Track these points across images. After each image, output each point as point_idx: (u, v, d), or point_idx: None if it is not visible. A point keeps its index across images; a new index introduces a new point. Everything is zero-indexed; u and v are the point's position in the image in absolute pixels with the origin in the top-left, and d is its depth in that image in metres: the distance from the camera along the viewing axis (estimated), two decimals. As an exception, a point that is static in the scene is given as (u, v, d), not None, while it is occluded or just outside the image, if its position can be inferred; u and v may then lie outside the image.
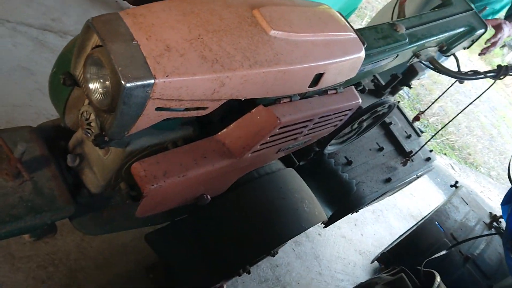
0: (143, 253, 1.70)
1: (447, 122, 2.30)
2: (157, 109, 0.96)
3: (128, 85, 0.85)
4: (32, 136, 1.21)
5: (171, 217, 1.40)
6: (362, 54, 1.38)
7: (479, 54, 2.49)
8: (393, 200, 3.37)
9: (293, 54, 1.14)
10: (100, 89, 0.96)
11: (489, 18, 2.85)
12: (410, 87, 2.31)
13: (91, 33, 0.96)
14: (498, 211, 4.56)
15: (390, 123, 2.41)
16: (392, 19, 2.06)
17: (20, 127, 1.22)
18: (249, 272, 1.63)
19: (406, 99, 5.63)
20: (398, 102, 2.60)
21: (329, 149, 2.01)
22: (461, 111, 2.19)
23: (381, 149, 2.27)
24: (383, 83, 2.22)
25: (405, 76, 2.22)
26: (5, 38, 2.03)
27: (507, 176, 5.61)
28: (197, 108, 1.04)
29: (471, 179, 5.35)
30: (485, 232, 2.30)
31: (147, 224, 1.35)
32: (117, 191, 1.28)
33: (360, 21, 6.59)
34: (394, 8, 2.03)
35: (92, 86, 0.97)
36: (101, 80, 0.95)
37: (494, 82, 1.96)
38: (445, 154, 5.35)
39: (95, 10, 2.63)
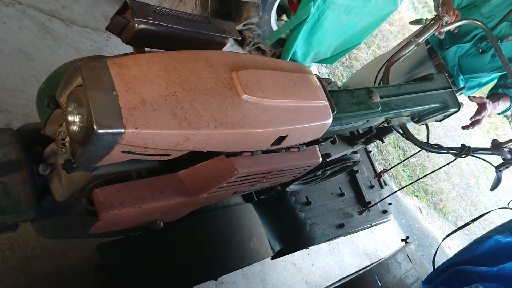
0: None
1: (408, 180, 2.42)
2: (123, 151, 1.07)
3: (99, 131, 0.97)
4: (12, 139, 1.32)
5: (125, 232, 1.52)
6: (329, 121, 1.49)
7: (462, 128, 2.61)
8: (352, 236, 3.51)
9: (259, 118, 1.25)
10: (77, 123, 1.07)
11: (476, 90, 2.99)
12: (383, 142, 2.44)
13: (77, 74, 1.07)
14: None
15: (357, 171, 2.54)
16: (375, 80, 2.20)
17: (3, 129, 1.33)
18: None
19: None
20: (370, 152, 2.73)
21: (292, 187, 2.14)
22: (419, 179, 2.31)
23: (342, 194, 2.40)
24: (360, 132, 2.35)
25: (379, 131, 2.34)
26: (13, 20, 2.13)
27: (472, 228, 5.75)
28: (160, 155, 1.16)
29: (436, 225, 5.52)
30: (421, 292, 2.45)
31: (102, 236, 1.47)
32: (78, 202, 1.39)
33: (367, 49, 6.72)
34: (379, 71, 2.14)
35: (70, 118, 1.08)
36: (79, 116, 1.06)
37: (454, 159, 2.08)
38: (417, 196, 5.51)
39: (106, 3, 2.72)
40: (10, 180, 1.25)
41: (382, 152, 5.26)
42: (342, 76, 5.47)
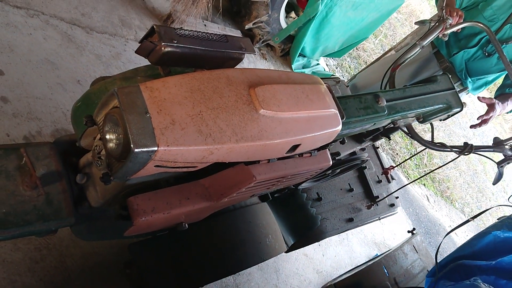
0: (125, 248, 1.96)
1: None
2: (156, 166, 1.20)
3: (136, 150, 1.10)
4: (51, 152, 1.46)
5: (153, 232, 1.66)
6: (339, 127, 1.61)
7: (470, 127, 2.70)
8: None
9: (275, 130, 1.38)
10: (114, 141, 1.20)
11: (483, 88, 3.08)
12: (389, 139, 2.56)
13: (114, 98, 1.19)
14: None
15: (365, 167, 2.66)
16: (381, 83, 2.31)
17: (42, 143, 1.47)
18: None
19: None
20: (378, 147, 2.85)
21: (304, 185, 2.27)
22: (424, 175, 2.42)
23: (351, 190, 2.53)
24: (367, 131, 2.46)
25: (386, 129, 2.45)
26: (38, 30, 2.25)
27: (481, 217, 5.85)
28: (188, 167, 1.29)
29: (443, 212, 5.63)
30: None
31: (132, 237, 1.61)
32: (111, 208, 1.53)
33: (374, 39, 6.78)
34: (385, 74, 2.25)
35: (108, 137, 1.21)
36: (116, 135, 1.19)
37: (458, 156, 2.20)
38: (424, 185, 5.62)
39: (122, 7, 2.83)
40: (52, 190, 1.39)
41: (389, 142, 5.36)
42: (349, 67, 5.56)
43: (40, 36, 2.25)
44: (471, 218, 1.86)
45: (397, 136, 5.64)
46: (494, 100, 2.63)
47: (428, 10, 10.72)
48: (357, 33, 4.27)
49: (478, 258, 1.68)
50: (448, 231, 1.94)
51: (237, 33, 3.74)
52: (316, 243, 3.14)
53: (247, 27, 3.71)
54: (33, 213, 1.33)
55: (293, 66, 4.17)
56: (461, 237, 5.45)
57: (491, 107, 2.60)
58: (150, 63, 1.71)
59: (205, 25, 3.36)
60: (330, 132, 1.59)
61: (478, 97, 2.63)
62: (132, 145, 1.09)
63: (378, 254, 3.48)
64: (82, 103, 1.46)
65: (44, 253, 1.75)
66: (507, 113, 2.87)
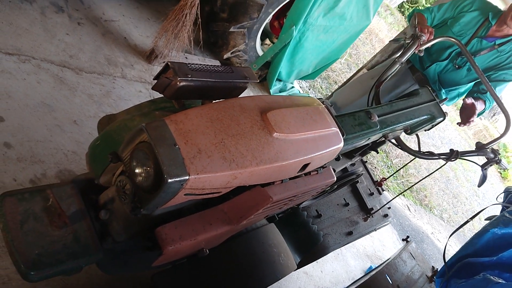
0: (142, 280, 1.98)
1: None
2: (186, 194, 1.26)
3: (169, 180, 1.16)
4: (73, 191, 1.49)
5: (173, 262, 1.70)
6: (341, 144, 1.71)
7: (458, 124, 2.82)
8: (353, 240, 3.74)
9: (289, 151, 1.46)
10: (144, 175, 1.26)
11: (456, 99, 3.28)
12: (378, 152, 2.68)
13: (142, 133, 1.25)
14: (440, 259, 5.02)
15: (357, 181, 2.77)
16: (368, 100, 2.44)
17: (63, 183, 1.50)
18: None
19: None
20: (366, 162, 2.97)
21: (303, 203, 2.35)
22: (415, 183, 2.55)
23: (347, 204, 2.63)
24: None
25: (375, 144, 2.57)
26: (31, 75, 2.29)
27: (457, 219, 6.05)
28: (213, 193, 1.36)
29: (424, 221, 5.80)
30: (426, 285, 2.68)
31: (155, 268, 1.65)
32: (135, 240, 1.57)
33: (340, 59, 7.00)
34: (370, 90, 2.38)
35: (137, 170, 1.27)
36: (146, 169, 1.25)
37: (445, 163, 2.33)
38: (404, 195, 5.80)
39: (107, 46, 2.90)
40: (78, 228, 1.42)
41: (367, 156, 5.52)
42: (321, 88, 5.74)
43: (34, 80, 2.28)
44: (470, 218, 1.99)
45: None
46: (472, 99, 2.79)
47: (385, 27, 11.18)
48: (329, 55, 4.44)
49: (481, 255, 1.79)
50: (449, 235, 2.05)
51: (216, 62, 3.84)
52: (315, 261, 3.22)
53: (225, 56, 3.82)
54: (63, 252, 1.36)
55: (271, 91, 4.29)
56: (443, 242, 5.62)
57: (472, 106, 2.73)
58: (151, 100, 1.79)
59: (186, 58, 3.45)
60: (334, 149, 1.69)
61: (464, 100, 2.73)
62: (165, 176, 1.15)
63: (372, 266, 3.57)
64: (102, 141, 1.51)
65: (62, 294, 1.76)
66: (477, 116, 3.03)
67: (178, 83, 1.42)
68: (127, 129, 1.48)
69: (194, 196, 1.31)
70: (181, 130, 1.26)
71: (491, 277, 1.58)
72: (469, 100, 2.71)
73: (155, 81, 1.46)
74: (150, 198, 1.25)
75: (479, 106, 2.94)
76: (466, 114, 2.76)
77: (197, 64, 1.52)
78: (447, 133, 10.45)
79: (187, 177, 1.18)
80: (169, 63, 1.43)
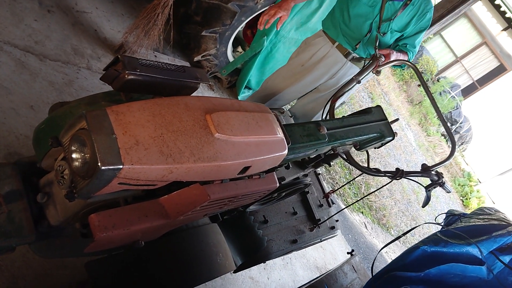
0: (78, 268, 1.99)
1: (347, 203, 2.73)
2: (119, 183, 1.30)
3: (103, 167, 1.19)
4: (13, 172, 1.51)
5: (109, 251, 1.73)
6: (285, 152, 1.77)
7: (373, 72, 2.85)
8: (303, 251, 3.80)
9: (229, 152, 1.51)
10: (80, 161, 1.29)
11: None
12: (330, 165, 2.75)
13: (82, 120, 1.29)
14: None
15: (308, 192, 2.84)
16: (322, 113, 2.52)
17: (4, 163, 1.52)
18: None
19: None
20: (319, 174, 3.05)
21: (251, 208, 2.40)
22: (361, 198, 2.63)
23: (295, 213, 2.69)
24: (310, 157, 2.65)
25: (327, 157, 2.65)
26: (-9, 56, 2.30)
27: (413, 241, 6.17)
28: (148, 185, 1.39)
29: (380, 239, 5.92)
30: (365, 298, 2.76)
31: (90, 255, 1.67)
32: (70, 226, 1.59)
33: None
34: (326, 104, 2.46)
35: (74, 156, 1.30)
36: (82, 155, 1.28)
37: (391, 181, 2.42)
38: (362, 212, 5.91)
39: (75, 37, 2.91)
40: (13, 208, 1.44)
41: (330, 172, 5.62)
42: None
43: (-6, 62, 2.29)
44: (402, 234, 2.06)
45: (337, 166, 5.93)
46: (390, 50, 2.86)
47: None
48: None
49: (409, 270, 1.87)
50: (382, 249, 2.13)
51: (186, 64, 3.88)
52: (262, 267, 3.27)
53: (195, 59, 3.87)
54: (-5, 230, 1.38)
55: (239, 98, 4.35)
56: (393, 256, 5.75)
57: (387, 56, 2.79)
58: (106, 91, 1.83)
59: (156, 56, 3.49)
60: (277, 156, 1.74)
61: (378, 50, 2.76)
62: (99, 163, 1.19)
63: (320, 278, 3.64)
64: (46, 126, 1.54)
65: (-5, 275, 1.77)
66: (394, 67, 3.06)
67: (126, 76, 1.46)
68: (72, 116, 1.51)
69: (128, 186, 1.34)
70: (121, 121, 1.29)
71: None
72: (384, 51, 2.77)
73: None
74: (84, 183, 1.29)
75: (402, 55, 2.97)
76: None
77: (149, 60, 1.57)
78: (413, 157, 10.69)
79: (121, 166, 1.22)
80: (119, 56, 1.47)
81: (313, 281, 2.42)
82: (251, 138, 1.61)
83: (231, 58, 4.03)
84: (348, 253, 2.99)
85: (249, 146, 1.60)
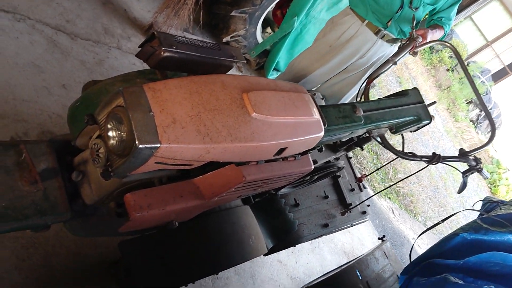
0: (110, 248, 2.00)
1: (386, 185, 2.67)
2: (156, 162, 1.27)
3: (140, 146, 1.17)
4: (48, 149, 1.50)
5: (142, 231, 1.71)
6: (321, 134, 1.72)
7: (410, 53, 2.74)
8: (331, 235, 3.76)
9: (266, 133, 1.47)
10: (116, 139, 1.26)
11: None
12: (362, 149, 2.69)
13: (118, 97, 1.26)
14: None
15: (340, 175, 2.79)
16: (357, 95, 2.44)
17: (39, 141, 1.51)
18: None
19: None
20: (350, 158, 2.98)
21: (282, 191, 2.36)
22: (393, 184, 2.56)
23: (326, 197, 2.64)
24: (342, 141, 2.59)
25: (360, 140, 2.58)
26: (25, 34, 2.28)
27: (440, 228, 6.08)
28: (185, 165, 1.36)
29: (407, 225, 5.84)
30: (396, 285, 2.70)
31: (122, 234, 1.66)
32: (104, 205, 1.58)
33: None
34: (361, 86, 2.38)
35: (110, 134, 1.27)
36: (119, 133, 1.25)
37: (426, 166, 2.34)
38: (389, 198, 5.82)
39: (106, 16, 2.89)
40: (48, 186, 1.43)
41: (357, 156, 5.54)
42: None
43: (27, 40, 2.28)
44: (440, 221, 2.00)
45: (364, 150, 5.84)
46: (425, 28, 2.75)
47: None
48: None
49: (447, 258, 1.81)
50: (418, 234, 2.07)
51: (214, 45, 3.83)
52: (290, 251, 3.24)
53: (224, 40, 3.81)
54: (31, 208, 1.37)
55: (267, 80, 4.29)
56: (423, 248, 5.67)
57: (424, 36, 2.68)
58: (139, 70, 1.79)
59: (185, 37, 3.44)
60: (313, 138, 1.69)
61: (414, 31, 2.66)
62: (136, 141, 1.16)
63: (348, 263, 3.60)
64: (81, 103, 1.52)
65: (30, 251, 1.77)
66: (433, 42, 2.92)
67: (162, 53, 1.42)
68: (107, 93, 1.49)
69: (165, 166, 1.32)
70: (158, 98, 1.26)
71: (451, 277, 1.60)
72: (420, 31, 2.65)
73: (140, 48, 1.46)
74: (121, 162, 1.26)
75: (438, 32, 2.85)
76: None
77: (184, 37, 1.53)
78: (441, 143, 10.48)
79: (159, 145, 1.19)
80: (155, 32, 1.43)
81: (345, 266, 2.38)
82: (288, 119, 1.57)
83: (260, 39, 3.97)
84: (379, 238, 2.94)
85: (286, 127, 1.56)
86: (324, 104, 2.89)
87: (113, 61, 2.72)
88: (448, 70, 14.44)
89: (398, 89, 9.11)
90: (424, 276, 1.76)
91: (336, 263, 3.64)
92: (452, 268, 1.77)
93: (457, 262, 1.79)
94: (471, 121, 14.36)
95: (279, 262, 3.05)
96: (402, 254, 5.04)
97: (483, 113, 14.86)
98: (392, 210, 5.72)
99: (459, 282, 1.58)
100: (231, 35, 3.77)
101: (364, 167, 5.57)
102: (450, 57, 14.39)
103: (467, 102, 14.64)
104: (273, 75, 4.36)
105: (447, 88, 14.42)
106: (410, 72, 11.76)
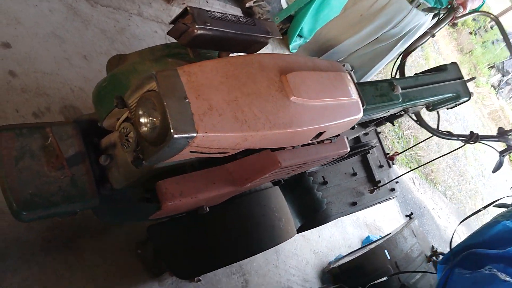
0: (137, 228, 1.95)
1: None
2: (191, 151, 1.19)
3: (176, 136, 1.08)
4: (74, 132, 1.42)
5: (172, 215, 1.65)
6: (360, 115, 1.61)
7: (449, 24, 2.60)
8: (354, 208, 3.71)
9: (304, 117, 1.37)
10: (149, 126, 1.17)
11: None
12: (393, 125, 2.58)
13: (151, 81, 1.16)
14: (440, 239, 4.98)
15: (368, 152, 2.69)
16: (392, 71, 2.31)
17: (65, 122, 1.44)
18: None
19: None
20: (379, 132, 2.88)
21: (310, 168, 2.28)
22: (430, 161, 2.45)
23: (354, 174, 2.55)
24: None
25: (392, 115, 2.47)
26: (43, 2, 2.17)
27: (460, 197, 5.99)
28: (221, 153, 1.28)
29: (427, 195, 5.76)
30: (424, 264, 2.66)
31: (152, 220, 1.60)
32: (133, 190, 1.51)
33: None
34: (395, 61, 2.25)
35: (142, 120, 1.19)
36: (151, 119, 1.16)
37: (463, 145, 2.24)
38: (410, 167, 5.72)
39: (127, -18, 2.75)
40: (76, 171, 1.36)
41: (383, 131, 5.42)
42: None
43: (46, 8, 2.17)
44: (482, 207, 1.92)
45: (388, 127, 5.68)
46: None
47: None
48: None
49: (488, 247, 1.73)
50: (460, 221, 1.98)
51: (237, 10, 3.68)
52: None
53: (247, 5, 3.65)
54: (59, 194, 1.31)
55: (290, 46, 4.14)
56: (443, 219, 5.61)
57: (464, 5, 2.54)
58: (164, 43, 1.68)
59: (207, 1, 3.30)
60: (352, 120, 1.59)
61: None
62: (172, 131, 1.08)
63: (370, 236, 3.55)
64: (109, 83, 1.42)
65: (56, 232, 1.73)
66: (474, 13, 2.75)
67: (195, 30, 1.32)
68: (136, 73, 1.39)
69: (200, 155, 1.24)
70: (193, 83, 1.16)
71: (498, 273, 1.53)
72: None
73: (172, 25, 1.36)
74: (154, 151, 1.18)
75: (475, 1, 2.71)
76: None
77: (217, 12, 1.41)
78: (461, 110, 10.24)
79: (195, 135, 1.10)
80: (188, 8, 1.32)
81: (373, 246, 2.32)
82: (327, 101, 1.46)
83: (284, 5, 3.80)
84: (406, 215, 2.87)
85: (325, 110, 1.46)
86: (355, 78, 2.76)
87: (134, 29, 2.60)
88: (471, 33, 13.95)
89: (420, 54, 8.85)
90: (466, 267, 1.69)
91: (358, 236, 3.60)
92: (492, 258, 1.70)
93: (498, 251, 1.71)
94: (492, 86, 13.98)
95: (302, 236, 3.00)
96: (423, 225, 4.99)
97: (505, 78, 14.47)
98: (413, 180, 5.63)
99: (508, 279, 1.51)
100: (254, 0, 3.61)
101: (386, 136, 5.45)
102: (474, 19, 13.89)
103: (489, 67, 14.23)
104: (296, 41, 4.20)
105: (469, 52, 13.97)
106: (432, 35, 11.36)
